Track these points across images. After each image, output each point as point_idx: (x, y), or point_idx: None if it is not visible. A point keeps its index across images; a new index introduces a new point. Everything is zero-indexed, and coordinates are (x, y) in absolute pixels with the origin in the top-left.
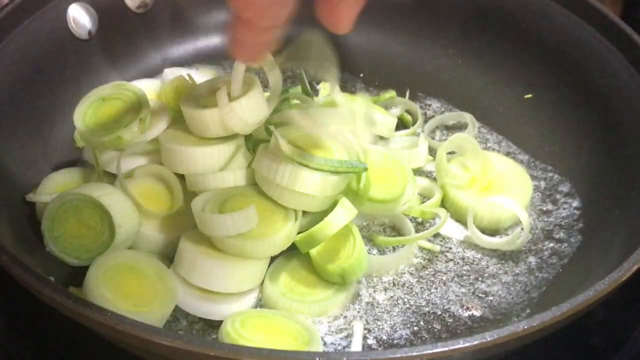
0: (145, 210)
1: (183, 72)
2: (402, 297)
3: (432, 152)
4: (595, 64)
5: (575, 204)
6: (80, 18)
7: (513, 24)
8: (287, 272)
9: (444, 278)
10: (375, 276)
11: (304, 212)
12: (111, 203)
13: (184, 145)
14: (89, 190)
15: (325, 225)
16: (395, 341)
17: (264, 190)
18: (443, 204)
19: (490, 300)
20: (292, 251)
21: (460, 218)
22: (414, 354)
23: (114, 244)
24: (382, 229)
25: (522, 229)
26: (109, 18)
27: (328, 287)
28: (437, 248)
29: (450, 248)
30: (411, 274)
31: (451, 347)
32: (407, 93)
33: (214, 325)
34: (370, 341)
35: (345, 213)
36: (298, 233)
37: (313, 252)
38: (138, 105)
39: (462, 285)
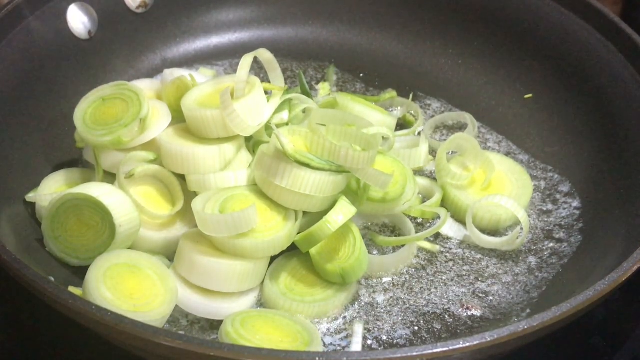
0: (146, 212)
1: (183, 72)
2: (402, 297)
3: (433, 152)
4: (595, 64)
5: (575, 204)
6: (80, 18)
7: (513, 24)
8: (288, 271)
9: (444, 278)
10: (375, 277)
11: (304, 212)
12: (112, 202)
13: (185, 146)
14: (89, 189)
15: (325, 224)
16: (395, 341)
17: (264, 191)
18: (443, 204)
19: (490, 300)
20: (293, 251)
21: (460, 218)
22: (414, 354)
23: (114, 243)
24: (382, 229)
25: (521, 228)
26: (109, 18)
27: (328, 287)
28: (437, 248)
29: (450, 248)
30: (411, 274)
31: (451, 347)
32: (411, 95)
33: (214, 325)
34: (370, 341)
35: (344, 212)
36: (298, 233)
37: (313, 251)
38: (138, 105)
39: (462, 285)
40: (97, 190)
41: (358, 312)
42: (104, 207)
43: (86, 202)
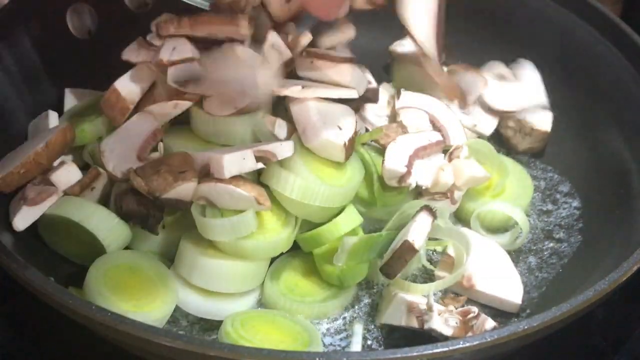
0: None
1: None
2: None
3: None
4: (595, 64)
5: (575, 204)
6: (80, 18)
7: (513, 24)
8: (289, 271)
9: None
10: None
11: None
12: (95, 225)
13: (187, 148)
14: (72, 210)
15: (332, 227)
16: (395, 341)
17: (276, 196)
18: None
19: None
20: (295, 251)
21: (461, 218)
22: (414, 354)
23: (109, 253)
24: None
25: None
26: (109, 18)
27: (328, 288)
28: (439, 248)
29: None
30: (412, 274)
31: (451, 347)
32: None
33: (214, 325)
34: (370, 341)
35: (353, 218)
36: (303, 231)
37: (316, 250)
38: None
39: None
40: (80, 211)
41: (358, 313)
42: (88, 231)
43: (70, 223)
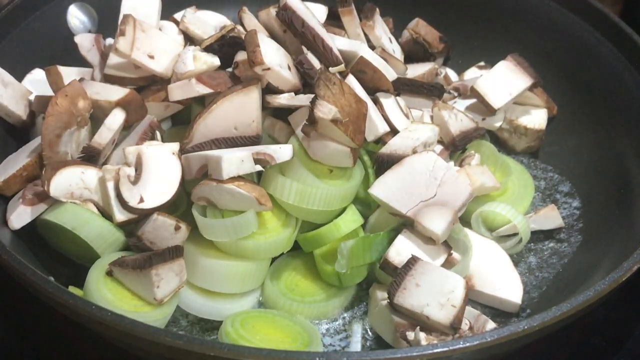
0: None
1: None
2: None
3: None
4: (595, 64)
5: (575, 204)
6: (80, 18)
7: (513, 24)
8: (289, 272)
9: None
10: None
11: None
12: (89, 233)
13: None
14: (65, 218)
15: (333, 228)
16: None
17: (277, 201)
18: None
19: None
20: (295, 251)
21: (462, 218)
22: (414, 354)
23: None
24: None
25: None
26: (108, 18)
27: (328, 288)
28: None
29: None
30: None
31: (451, 347)
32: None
33: (214, 325)
34: (370, 342)
35: (354, 219)
36: (304, 231)
37: (316, 251)
38: None
39: None
40: (73, 219)
41: (357, 313)
42: (82, 239)
43: (64, 229)
